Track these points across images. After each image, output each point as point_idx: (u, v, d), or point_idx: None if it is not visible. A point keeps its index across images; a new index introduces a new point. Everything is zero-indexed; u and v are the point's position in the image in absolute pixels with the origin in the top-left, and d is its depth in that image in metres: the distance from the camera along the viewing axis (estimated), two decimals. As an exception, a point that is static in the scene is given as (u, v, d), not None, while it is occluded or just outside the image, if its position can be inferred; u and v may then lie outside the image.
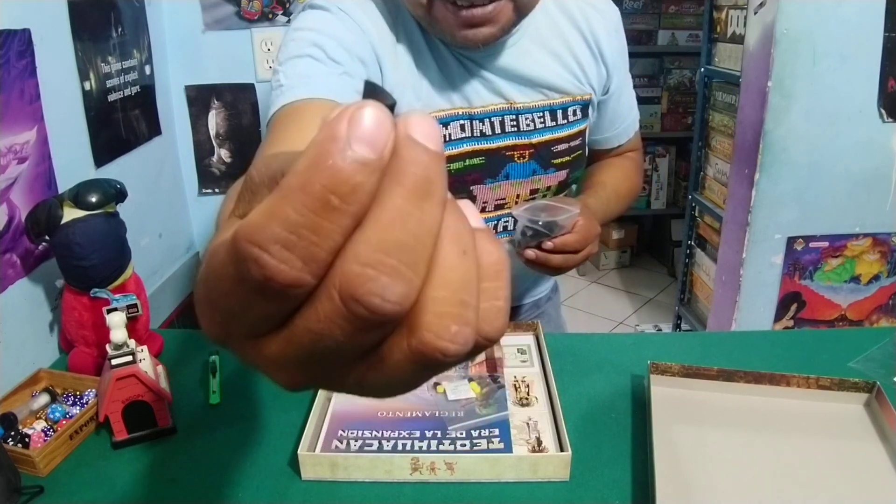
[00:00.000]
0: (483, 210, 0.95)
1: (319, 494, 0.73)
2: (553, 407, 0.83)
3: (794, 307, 1.89)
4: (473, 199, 0.92)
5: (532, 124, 0.90)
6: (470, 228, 0.22)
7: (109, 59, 1.27)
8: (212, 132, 1.66)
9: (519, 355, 0.98)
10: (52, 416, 0.84)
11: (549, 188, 0.96)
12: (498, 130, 0.89)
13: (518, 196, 0.95)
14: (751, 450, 0.78)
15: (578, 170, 0.99)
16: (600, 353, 1.01)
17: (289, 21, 1.56)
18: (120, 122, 1.32)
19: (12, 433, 0.80)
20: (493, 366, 0.94)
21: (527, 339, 1.02)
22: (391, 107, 0.21)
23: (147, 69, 1.45)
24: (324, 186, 0.19)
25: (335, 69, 0.72)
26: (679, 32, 3.03)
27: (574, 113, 0.92)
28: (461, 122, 0.87)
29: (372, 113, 0.19)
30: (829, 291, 1.88)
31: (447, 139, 0.87)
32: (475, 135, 0.88)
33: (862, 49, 1.61)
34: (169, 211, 1.60)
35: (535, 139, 0.90)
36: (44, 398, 0.88)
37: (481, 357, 0.97)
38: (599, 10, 0.91)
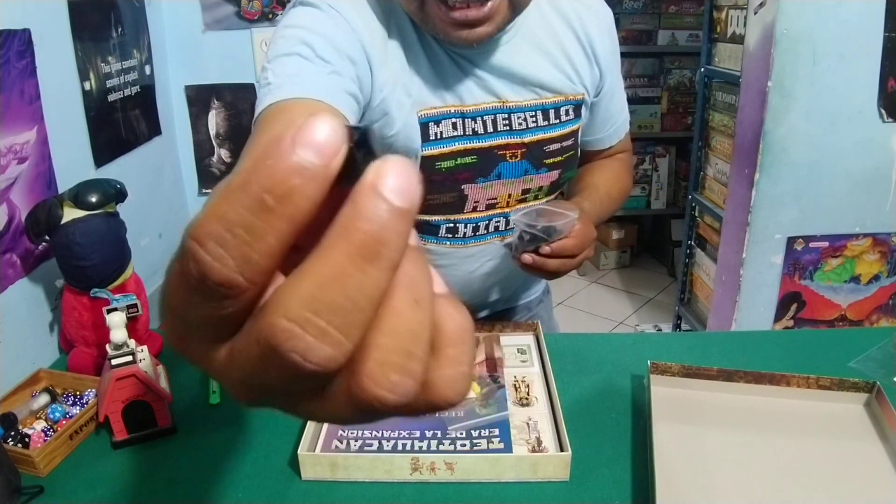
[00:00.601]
0: (475, 209, 0.93)
1: (319, 494, 0.73)
2: (553, 407, 0.83)
3: (794, 307, 1.89)
4: (465, 198, 0.92)
5: (524, 123, 0.89)
6: (429, 279, 0.21)
7: (109, 59, 1.27)
8: (212, 132, 1.67)
9: (519, 355, 0.98)
10: (52, 416, 0.84)
11: (540, 188, 0.95)
12: (490, 129, 0.88)
13: (510, 196, 0.94)
14: (751, 450, 0.78)
15: (570, 170, 0.98)
16: (600, 353, 1.01)
17: (289, 21, 1.56)
18: (120, 122, 1.32)
19: (12, 433, 0.80)
20: (493, 366, 0.94)
21: (527, 339, 1.02)
22: (365, 140, 0.20)
23: (147, 69, 1.45)
24: (260, 186, 0.18)
25: (323, 68, 0.71)
26: (679, 32, 3.03)
27: (567, 113, 0.91)
28: (453, 119, 0.85)
29: (323, 122, 0.19)
30: (829, 291, 1.88)
31: (439, 137, 0.85)
32: (467, 133, 0.87)
33: (862, 49, 1.61)
34: (169, 211, 1.60)
35: (528, 138, 0.89)
36: (44, 398, 0.88)
37: (481, 357, 0.97)
38: (593, 10, 0.91)
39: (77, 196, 0.93)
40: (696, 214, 2.30)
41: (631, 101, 3.29)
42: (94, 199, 0.93)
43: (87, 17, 1.19)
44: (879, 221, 1.78)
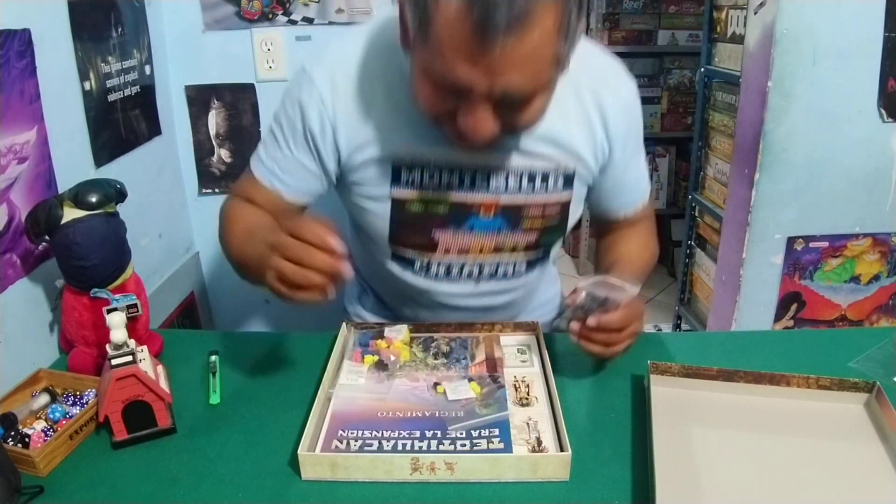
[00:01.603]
0: (447, 252, 0.97)
1: (319, 494, 0.73)
2: (553, 407, 0.83)
3: (794, 307, 1.89)
4: (436, 242, 0.95)
5: (504, 184, 0.91)
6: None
7: (109, 59, 1.27)
8: (212, 132, 1.66)
9: (519, 355, 0.98)
10: (52, 416, 0.84)
11: (515, 246, 0.97)
12: (467, 185, 0.90)
13: (482, 248, 0.96)
14: (751, 450, 0.78)
15: (553, 235, 0.99)
16: (600, 353, 1.01)
17: (288, 21, 1.56)
18: (120, 122, 1.32)
19: (12, 433, 0.80)
20: (493, 366, 0.94)
21: (527, 339, 1.02)
22: None
23: (147, 69, 1.45)
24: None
25: (286, 153, 0.93)
26: (679, 32, 3.03)
27: (555, 182, 0.92)
28: (429, 170, 0.90)
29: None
30: (829, 291, 1.88)
31: (410, 182, 0.90)
32: (441, 184, 0.90)
33: (862, 49, 1.61)
34: (169, 211, 1.60)
35: (505, 199, 0.92)
36: (44, 398, 0.88)
37: (481, 357, 0.97)
38: (612, 87, 0.91)
39: (77, 196, 0.93)
40: (696, 214, 2.30)
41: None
42: (94, 199, 0.93)
43: (87, 17, 1.18)
44: (879, 221, 1.78)
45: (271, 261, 0.72)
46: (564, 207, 0.95)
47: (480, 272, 1.00)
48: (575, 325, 0.84)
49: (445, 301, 1.05)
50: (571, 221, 0.99)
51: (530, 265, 1.04)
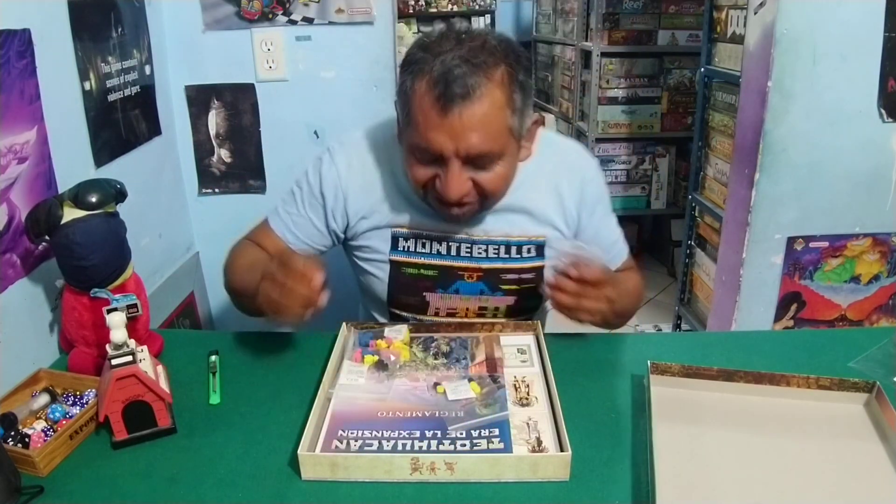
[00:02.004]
0: (436, 314, 1.11)
1: (319, 494, 0.73)
2: (553, 407, 0.83)
3: (794, 307, 1.89)
4: (427, 303, 1.10)
5: (485, 253, 1.06)
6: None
7: (109, 59, 1.27)
8: (212, 132, 1.66)
9: (519, 355, 0.98)
10: (52, 416, 0.84)
11: (497, 309, 1.11)
12: (453, 253, 1.06)
13: (468, 310, 1.10)
14: (751, 450, 0.78)
15: (531, 300, 1.10)
16: (600, 353, 1.01)
17: (288, 21, 1.57)
18: (120, 122, 1.32)
19: (12, 433, 0.80)
20: (493, 366, 0.94)
21: (527, 339, 1.02)
22: None
23: (147, 69, 1.45)
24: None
25: (297, 219, 1.09)
26: (679, 32, 3.03)
27: (528, 251, 1.07)
28: (422, 240, 1.06)
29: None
30: (829, 291, 1.88)
31: (406, 249, 1.07)
32: (432, 252, 1.06)
33: (862, 49, 1.61)
34: (169, 211, 1.60)
35: (485, 265, 1.06)
36: (44, 398, 0.88)
37: (481, 357, 0.97)
38: (575, 164, 1.09)
39: (77, 196, 0.93)
40: (696, 214, 2.30)
41: (631, 100, 3.28)
42: (94, 199, 0.93)
43: (87, 17, 1.18)
44: (879, 221, 1.78)
45: (261, 285, 0.86)
46: (539, 274, 1.08)
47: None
48: (550, 276, 0.91)
49: None
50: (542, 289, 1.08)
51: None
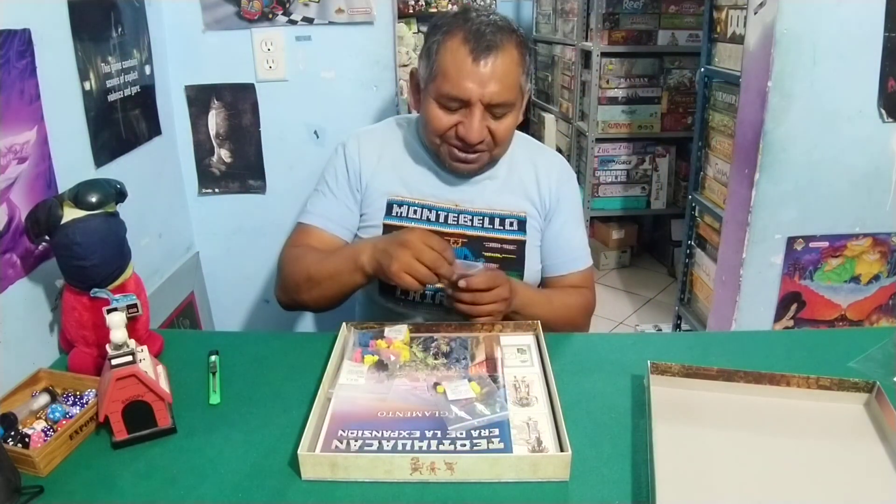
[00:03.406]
0: None
1: (319, 494, 0.73)
2: (553, 407, 0.83)
3: (794, 307, 1.89)
4: None
5: (470, 222, 1.17)
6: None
7: (109, 59, 1.27)
8: (212, 132, 1.66)
9: (519, 355, 0.98)
10: (52, 416, 0.84)
11: None
12: (442, 220, 1.17)
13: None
14: (751, 450, 0.78)
15: (511, 271, 1.16)
16: (600, 353, 1.02)
17: (288, 21, 1.57)
18: (120, 122, 1.32)
19: (12, 433, 0.80)
20: (493, 366, 0.94)
21: (527, 339, 1.02)
22: None
23: (147, 69, 1.45)
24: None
25: (334, 202, 1.19)
26: (679, 32, 3.03)
27: (511, 224, 1.18)
28: (414, 208, 1.17)
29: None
30: (829, 291, 1.87)
31: (399, 215, 1.17)
32: (423, 219, 1.17)
33: (862, 49, 1.61)
34: (169, 211, 1.60)
35: (470, 233, 1.17)
36: (44, 398, 0.88)
37: (481, 357, 0.97)
38: (551, 156, 1.26)
39: (77, 196, 0.93)
40: (696, 214, 2.30)
41: (631, 101, 3.28)
42: (94, 199, 0.93)
43: (87, 17, 1.18)
44: (879, 221, 1.78)
45: (403, 256, 0.94)
46: (520, 247, 1.18)
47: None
48: (448, 290, 1.01)
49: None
50: (529, 265, 1.19)
51: None
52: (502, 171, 1.20)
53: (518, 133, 1.20)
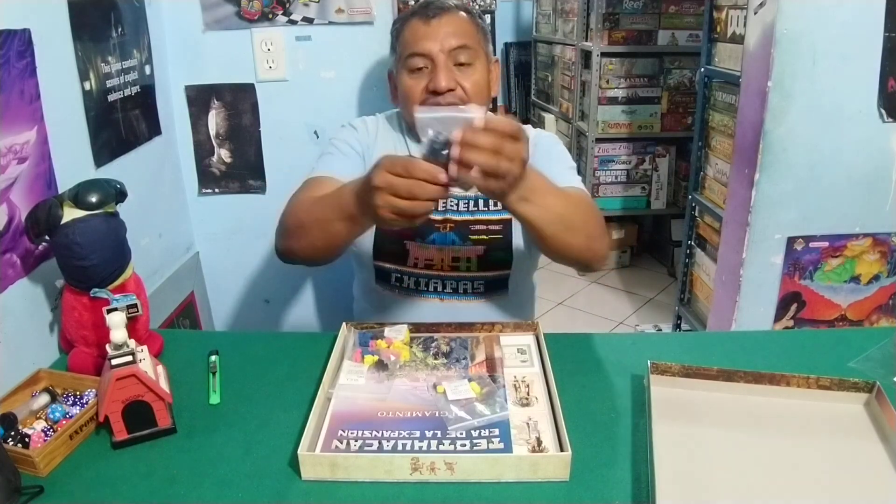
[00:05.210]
0: (415, 265, 1.19)
1: (319, 494, 0.73)
2: (553, 407, 0.83)
3: (794, 307, 1.89)
4: (406, 252, 1.19)
5: (457, 206, 1.19)
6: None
7: (109, 59, 1.27)
8: (212, 132, 1.66)
9: (519, 355, 0.98)
10: (52, 416, 0.84)
11: (469, 259, 1.18)
12: None
13: (443, 261, 1.18)
14: (751, 450, 0.78)
15: (498, 251, 1.18)
16: (600, 353, 1.02)
17: (288, 21, 1.57)
18: (120, 122, 1.32)
19: (12, 433, 0.80)
20: (493, 366, 0.94)
21: (527, 339, 1.02)
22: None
23: (147, 69, 1.45)
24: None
25: (342, 158, 1.19)
26: (679, 32, 3.03)
27: (495, 204, 1.18)
28: None
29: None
30: (829, 291, 1.88)
31: None
32: None
33: (862, 49, 1.61)
34: (169, 211, 1.60)
35: (457, 217, 1.19)
36: (44, 398, 0.88)
37: (481, 357, 0.97)
38: (532, 133, 1.20)
39: (77, 196, 0.93)
40: (696, 214, 2.30)
41: (631, 101, 3.29)
42: (94, 199, 0.93)
43: (87, 17, 1.18)
44: (879, 221, 1.78)
45: (381, 200, 0.80)
46: (506, 226, 1.18)
47: (444, 287, 1.19)
48: (443, 177, 0.79)
49: (418, 320, 1.12)
50: (516, 243, 1.17)
51: (488, 289, 1.20)
52: None
53: None
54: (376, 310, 1.25)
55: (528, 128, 1.22)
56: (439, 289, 1.20)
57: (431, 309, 1.19)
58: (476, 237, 1.18)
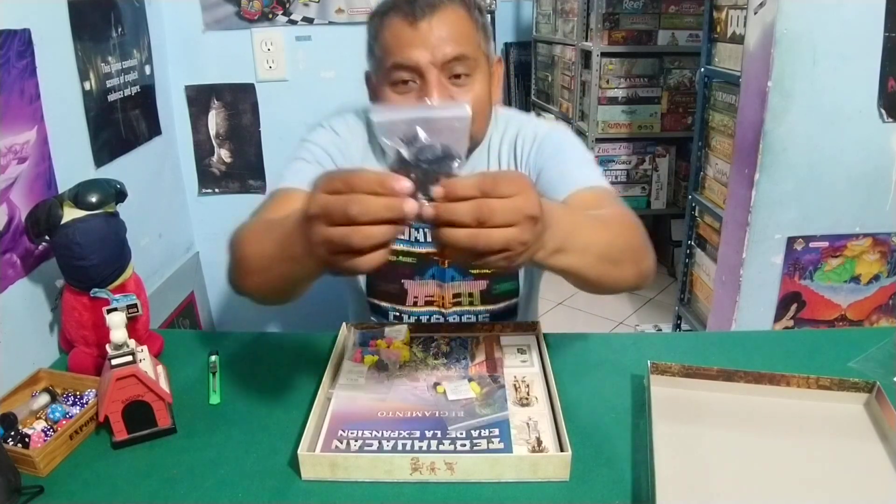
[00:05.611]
0: (415, 304, 1.11)
1: (319, 494, 0.73)
2: (553, 407, 0.83)
3: (794, 307, 1.89)
4: (405, 291, 1.10)
5: None
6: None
7: (109, 59, 1.27)
8: (212, 132, 1.67)
9: (519, 355, 0.98)
10: (52, 416, 0.84)
11: (472, 294, 1.10)
12: (428, 239, 1.04)
13: (444, 297, 1.10)
14: (751, 450, 0.78)
15: (502, 282, 1.09)
16: (600, 353, 1.01)
17: (288, 21, 1.57)
18: (120, 122, 1.32)
19: (12, 433, 0.80)
20: (493, 366, 0.94)
21: (527, 339, 1.02)
22: None
23: (147, 69, 1.45)
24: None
25: (313, 167, 1.00)
26: (679, 32, 3.03)
27: None
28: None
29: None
30: (829, 291, 1.88)
31: None
32: (410, 239, 1.07)
33: (862, 49, 1.61)
34: (169, 211, 1.60)
35: None
36: (44, 398, 0.88)
37: (481, 357, 0.97)
38: (526, 125, 1.06)
39: (77, 196, 0.93)
40: (696, 214, 2.30)
41: (631, 101, 3.29)
42: (94, 199, 0.93)
43: (87, 17, 1.19)
44: (879, 221, 1.78)
45: (315, 233, 0.58)
46: None
47: (446, 322, 1.11)
48: (428, 208, 0.57)
49: None
50: (524, 270, 1.09)
51: (495, 320, 1.11)
52: (481, 163, 1.04)
53: (507, 113, 1.06)
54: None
55: (530, 117, 1.11)
56: (442, 324, 1.10)
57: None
58: (477, 270, 1.08)
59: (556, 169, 0.97)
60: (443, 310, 1.11)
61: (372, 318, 1.15)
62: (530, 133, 1.04)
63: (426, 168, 0.58)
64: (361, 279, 1.11)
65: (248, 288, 0.83)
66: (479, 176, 0.57)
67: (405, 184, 0.55)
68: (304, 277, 0.73)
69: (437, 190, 0.56)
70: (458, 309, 1.10)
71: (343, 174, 0.57)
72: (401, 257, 1.08)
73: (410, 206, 0.56)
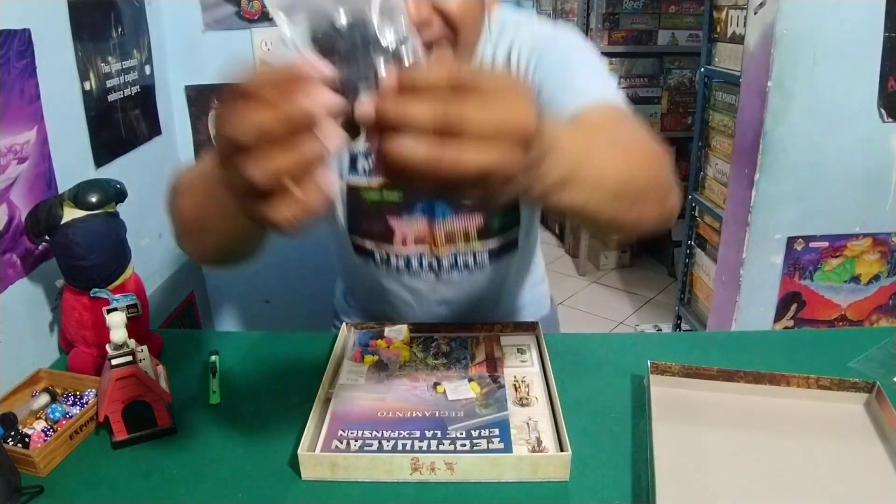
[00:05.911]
0: (404, 242, 0.98)
1: (319, 494, 0.73)
2: (553, 407, 0.83)
3: (794, 307, 1.89)
4: (391, 230, 0.97)
5: None
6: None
7: (109, 59, 1.27)
8: (212, 132, 1.66)
9: (519, 355, 0.98)
10: (52, 416, 0.84)
11: (467, 233, 0.97)
12: None
13: (435, 237, 0.97)
14: (751, 450, 0.78)
15: (504, 218, 0.97)
16: (600, 353, 1.01)
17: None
18: (120, 122, 1.32)
19: (12, 433, 0.80)
20: (493, 366, 0.94)
21: (527, 339, 1.02)
22: None
23: (147, 69, 1.45)
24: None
25: None
26: (679, 32, 3.03)
27: None
28: None
29: None
30: (829, 291, 1.88)
31: (366, 171, 0.93)
32: None
33: (862, 49, 1.61)
34: (169, 211, 1.60)
35: None
36: (44, 398, 0.88)
37: (481, 357, 0.97)
38: (525, 29, 0.90)
39: (77, 196, 0.93)
40: (696, 214, 2.30)
41: (631, 101, 3.29)
42: (94, 199, 0.93)
43: (87, 17, 1.18)
44: (879, 221, 1.78)
45: (218, 171, 0.45)
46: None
47: (440, 264, 1.00)
48: (363, 104, 0.41)
49: (411, 300, 1.05)
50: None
51: (494, 257, 1.00)
52: None
53: (502, 16, 0.88)
54: (360, 291, 1.10)
55: (530, 19, 0.92)
56: (434, 266, 1.00)
57: (426, 287, 1.02)
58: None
59: (560, 79, 0.80)
60: (435, 248, 0.98)
61: (356, 259, 1.02)
62: (528, 39, 0.87)
63: (352, 56, 0.38)
64: (342, 214, 0.96)
65: (193, 251, 0.72)
66: (448, 66, 0.39)
67: (319, 69, 0.38)
68: (243, 234, 0.59)
69: (383, 79, 0.39)
70: (451, 248, 0.97)
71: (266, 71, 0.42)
72: (384, 193, 0.94)
73: (322, 99, 0.39)
